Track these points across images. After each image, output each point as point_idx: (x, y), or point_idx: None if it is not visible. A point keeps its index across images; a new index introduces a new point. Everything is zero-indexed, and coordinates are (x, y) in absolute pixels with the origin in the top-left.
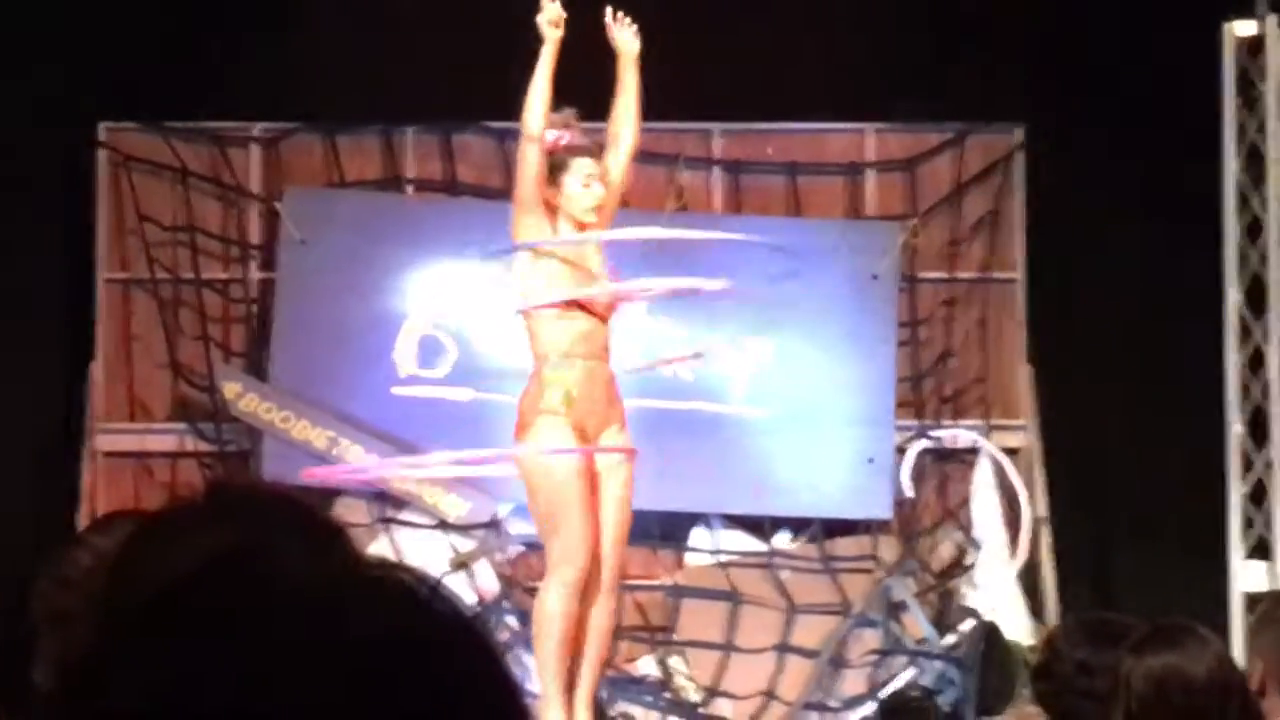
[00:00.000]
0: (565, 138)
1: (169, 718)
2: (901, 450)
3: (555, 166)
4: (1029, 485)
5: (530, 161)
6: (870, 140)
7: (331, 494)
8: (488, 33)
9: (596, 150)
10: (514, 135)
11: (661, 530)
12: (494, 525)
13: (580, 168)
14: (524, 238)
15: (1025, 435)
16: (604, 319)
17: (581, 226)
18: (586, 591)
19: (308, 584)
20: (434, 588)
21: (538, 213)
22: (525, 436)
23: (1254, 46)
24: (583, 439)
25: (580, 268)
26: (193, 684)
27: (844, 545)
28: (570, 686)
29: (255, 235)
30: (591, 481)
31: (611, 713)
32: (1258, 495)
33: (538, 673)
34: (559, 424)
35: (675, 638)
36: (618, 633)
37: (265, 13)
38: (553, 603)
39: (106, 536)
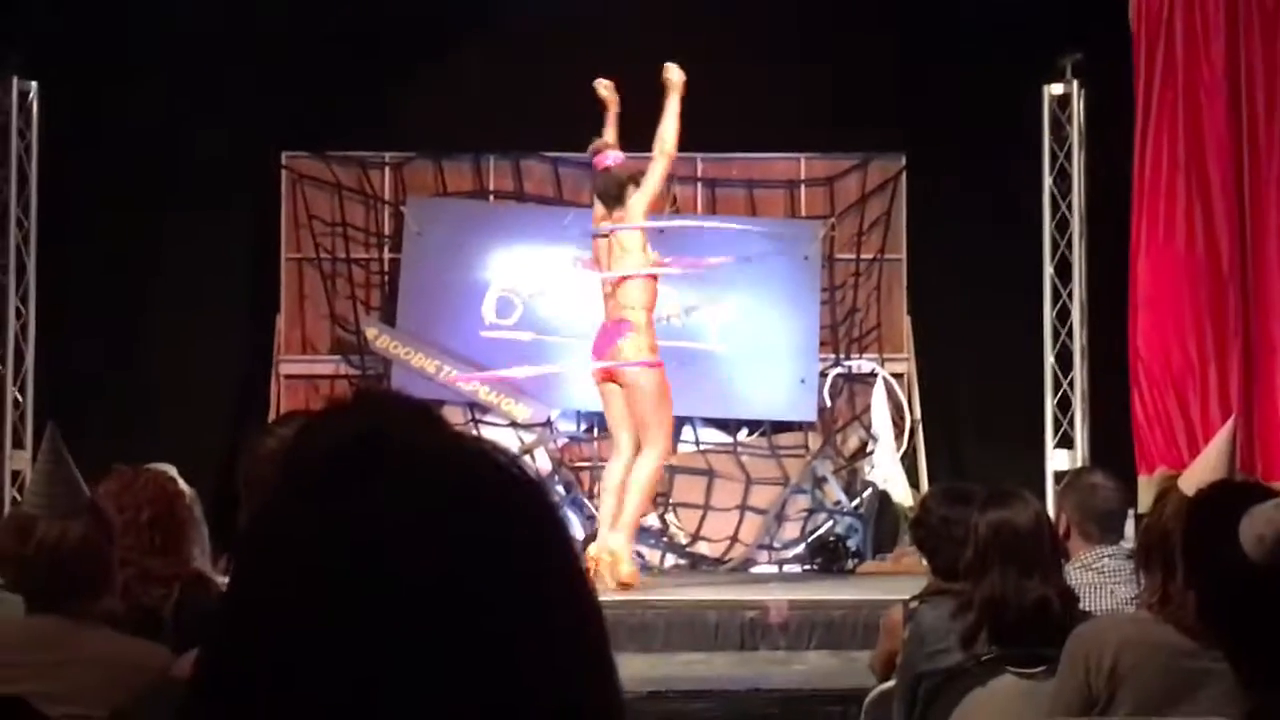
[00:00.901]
0: (607, 159)
1: (317, 549)
2: (824, 374)
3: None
4: (909, 398)
5: (667, 173)
6: (803, 165)
7: (439, 403)
8: (546, 90)
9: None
10: (564, 162)
11: None
12: (547, 424)
13: None
14: (639, 221)
15: (906, 365)
16: None
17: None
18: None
19: (426, 451)
20: (514, 456)
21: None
22: (642, 358)
23: (1063, 102)
24: None
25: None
26: (338, 525)
27: (785, 438)
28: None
29: (387, 229)
30: None
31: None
32: (1063, 405)
33: (633, 515)
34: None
35: (671, 500)
36: None
37: (394, 80)
38: (658, 470)
39: (285, 428)
